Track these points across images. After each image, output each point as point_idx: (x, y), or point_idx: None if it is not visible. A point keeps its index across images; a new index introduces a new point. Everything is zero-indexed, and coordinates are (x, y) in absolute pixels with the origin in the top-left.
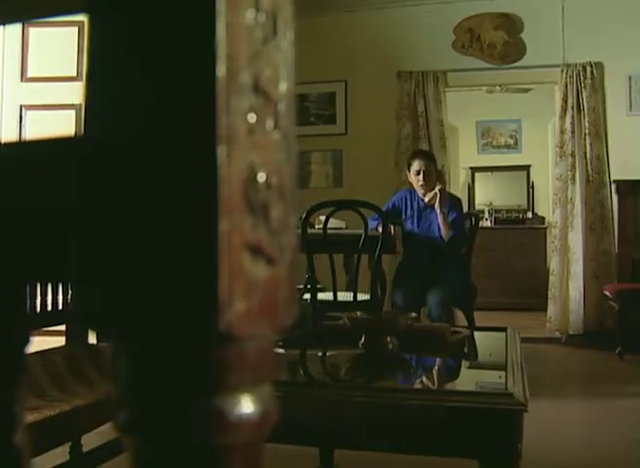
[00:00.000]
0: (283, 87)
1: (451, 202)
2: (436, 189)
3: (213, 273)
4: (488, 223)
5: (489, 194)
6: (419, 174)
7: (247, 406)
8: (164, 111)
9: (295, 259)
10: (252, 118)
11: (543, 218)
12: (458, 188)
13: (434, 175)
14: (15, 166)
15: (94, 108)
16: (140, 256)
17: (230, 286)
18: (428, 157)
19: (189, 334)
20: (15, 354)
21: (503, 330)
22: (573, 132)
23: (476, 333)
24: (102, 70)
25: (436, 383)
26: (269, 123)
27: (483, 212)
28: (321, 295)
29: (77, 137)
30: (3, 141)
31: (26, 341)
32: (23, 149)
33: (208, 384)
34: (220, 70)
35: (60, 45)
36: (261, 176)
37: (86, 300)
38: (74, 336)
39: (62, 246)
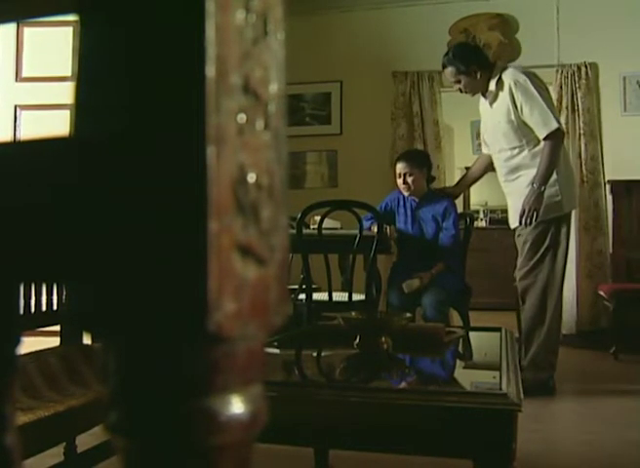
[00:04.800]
0: (273, 87)
1: (446, 205)
2: (416, 283)
3: (202, 273)
4: (483, 223)
5: (484, 194)
6: (399, 177)
7: (236, 406)
8: (154, 111)
9: (285, 260)
10: (242, 118)
11: None
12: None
13: (418, 177)
14: (8, 166)
15: (83, 108)
16: (130, 257)
17: (220, 286)
18: (410, 160)
19: (179, 335)
20: (5, 354)
21: (498, 330)
22: (567, 132)
23: (471, 334)
24: (92, 70)
25: (430, 383)
26: (259, 123)
27: (478, 212)
28: (316, 296)
29: (69, 138)
30: None
31: (17, 342)
32: (17, 149)
33: (197, 385)
34: (210, 71)
35: (54, 45)
36: (251, 177)
37: (77, 300)
38: (69, 337)
39: (55, 246)
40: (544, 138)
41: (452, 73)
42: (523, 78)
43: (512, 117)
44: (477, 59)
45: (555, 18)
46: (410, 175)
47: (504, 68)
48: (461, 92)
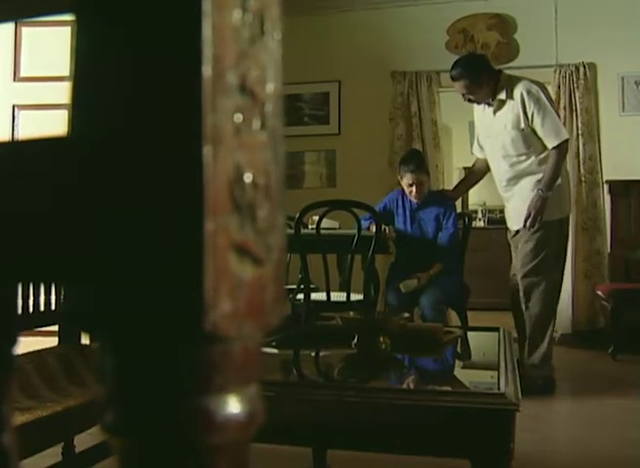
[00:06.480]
0: (270, 87)
1: (447, 205)
2: (421, 281)
3: (199, 273)
4: (481, 223)
5: (482, 194)
6: (411, 186)
7: (233, 406)
8: (150, 111)
9: (282, 259)
10: (238, 118)
11: None
12: (451, 188)
13: (426, 182)
14: (6, 166)
15: (79, 108)
16: (127, 257)
17: (216, 286)
18: (418, 168)
19: (176, 334)
20: (3, 354)
21: (496, 330)
22: None
23: (469, 334)
24: (89, 70)
25: (428, 383)
26: (256, 123)
27: (476, 212)
28: (314, 295)
29: (66, 137)
30: None
31: (14, 341)
32: (15, 149)
33: (194, 384)
34: (207, 70)
35: (52, 44)
36: (248, 177)
37: (74, 301)
38: (67, 337)
39: (52, 246)
40: (554, 148)
41: (464, 85)
42: (535, 88)
43: (522, 125)
44: (488, 69)
45: (553, 18)
46: (421, 184)
47: (513, 77)
48: (471, 101)
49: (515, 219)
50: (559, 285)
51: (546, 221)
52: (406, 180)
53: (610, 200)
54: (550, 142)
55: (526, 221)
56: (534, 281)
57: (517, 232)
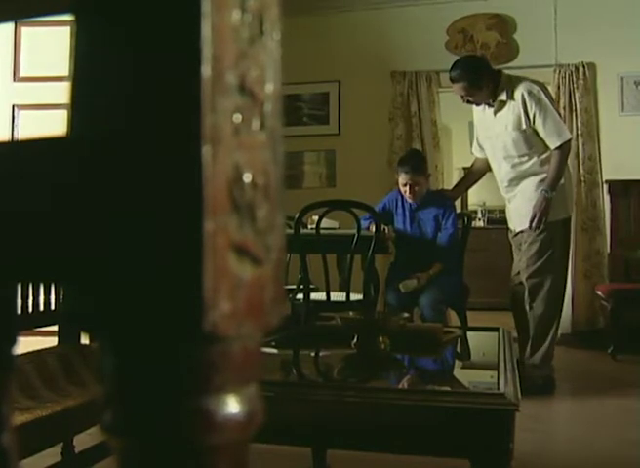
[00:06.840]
0: (270, 87)
1: (446, 205)
2: (420, 281)
3: (198, 273)
4: (481, 223)
5: (482, 194)
6: (405, 186)
7: (232, 406)
8: (149, 111)
9: (281, 259)
10: (237, 118)
11: None
12: (450, 188)
13: (423, 184)
14: (6, 165)
15: (78, 108)
16: (127, 257)
17: (215, 286)
18: (415, 169)
19: (175, 335)
20: (3, 354)
21: (496, 330)
22: None
23: (469, 334)
24: (88, 70)
25: (428, 383)
26: (255, 123)
27: (476, 212)
28: (314, 295)
29: (65, 137)
30: None
31: (13, 341)
32: (15, 149)
33: (193, 384)
34: (206, 70)
35: (52, 44)
36: (247, 177)
37: (74, 301)
38: (67, 337)
39: (52, 245)
40: (556, 148)
41: (464, 87)
42: (536, 89)
43: (523, 126)
44: (487, 70)
45: (553, 17)
46: (416, 185)
47: (513, 78)
48: (470, 103)
49: (517, 220)
50: (564, 284)
51: (551, 222)
52: (401, 180)
53: (609, 200)
54: (553, 143)
55: (531, 223)
56: (539, 281)
57: (519, 232)
